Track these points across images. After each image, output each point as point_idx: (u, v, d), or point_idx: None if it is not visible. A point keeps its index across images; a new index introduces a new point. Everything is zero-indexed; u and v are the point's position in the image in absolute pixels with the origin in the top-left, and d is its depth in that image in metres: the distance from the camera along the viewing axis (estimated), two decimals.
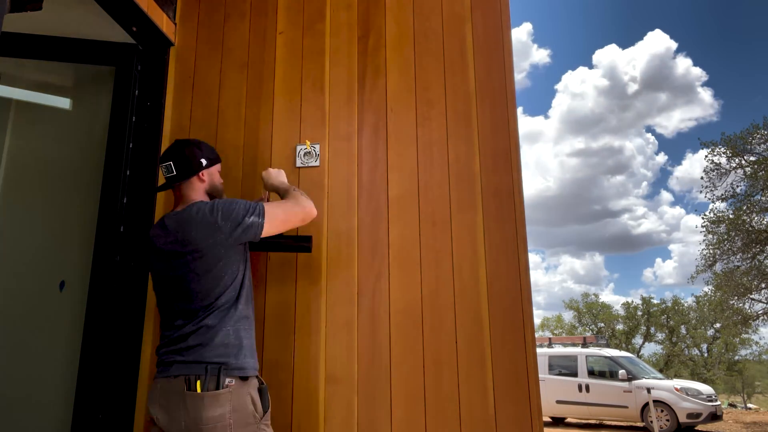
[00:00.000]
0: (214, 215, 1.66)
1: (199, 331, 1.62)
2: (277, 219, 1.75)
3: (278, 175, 2.01)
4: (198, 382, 1.54)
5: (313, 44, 2.41)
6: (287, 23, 2.46)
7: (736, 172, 16.73)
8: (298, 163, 2.25)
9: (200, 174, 1.82)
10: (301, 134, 2.31)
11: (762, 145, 16.35)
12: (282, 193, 1.94)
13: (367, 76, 2.35)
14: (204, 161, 1.83)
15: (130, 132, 2.31)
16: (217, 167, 1.91)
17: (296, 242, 2.08)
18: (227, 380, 1.57)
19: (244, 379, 1.62)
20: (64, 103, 2.59)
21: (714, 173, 17.10)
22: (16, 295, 2.30)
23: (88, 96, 2.55)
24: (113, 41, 2.37)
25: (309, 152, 2.26)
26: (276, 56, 2.42)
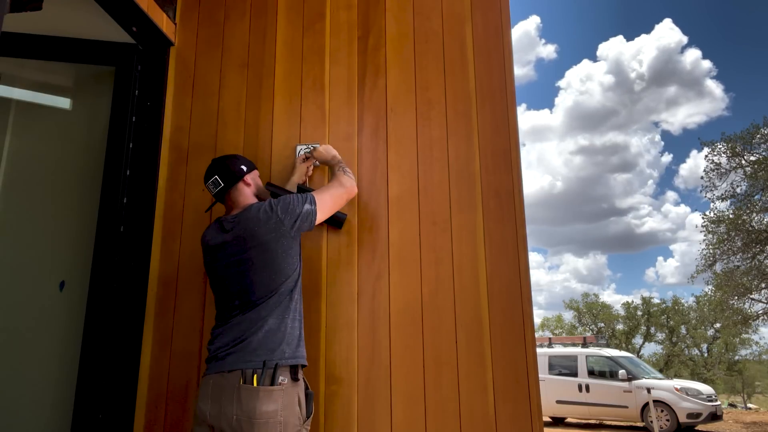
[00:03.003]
0: (275, 210, 1.77)
1: (257, 323, 1.68)
2: (326, 204, 1.90)
3: (327, 151, 2.13)
4: (255, 376, 1.59)
5: (313, 44, 2.41)
6: (287, 23, 2.46)
7: (736, 172, 16.74)
8: (298, 164, 2.25)
9: (245, 179, 1.92)
10: (301, 134, 2.31)
11: (762, 145, 16.35)
12: (332, 168, 2.08)
13: (367, 76, 2.35)
14: (244, 167, 1.93)
15: (130, 132, 2.31)
16: (256, 172, 2.00)
17: (332, 216, 2.11)
18: (281, 378, 1.61)
19: (295, 379, 1.66)
20: (64, 103, 2.59)
21: (714, 173, 17.11)
22: (16, 296, 2.30)
23: (88, 96, 2.54)
24: (113, 41, 2.37)
25: (309, 152, 2.26)
26: (276, 56, 2.42)
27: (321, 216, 1.86)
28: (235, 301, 1.74)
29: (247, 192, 1.91)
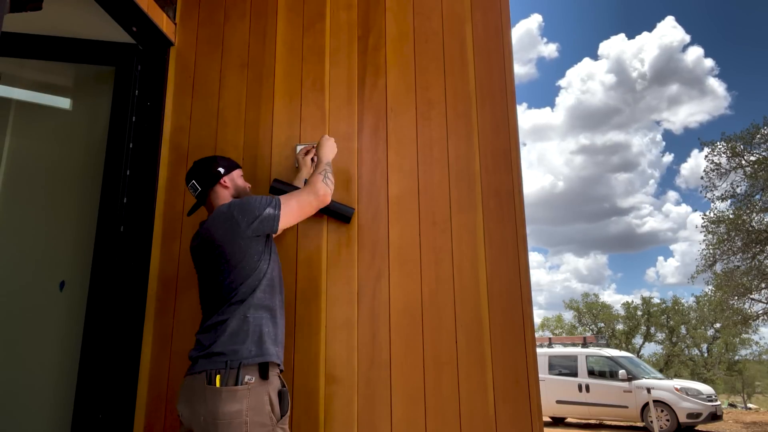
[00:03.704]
0: (231, 210, 1.75)
1: (219, 324, 1.68)
2: (292, 211, 1.84)
3: (327, 148, 2.08)
4: (218, 377, 1.58)
5: (313, 44, 2.41)
6: (287, 23, 2.46)
7: (736, 172, 16.74)
8: (298, 163, 2.25)
9: (222, 181, 1.91)
10: (301, 134, 2.31)
11: (762, 145, 16.35)
12: (316, 167, 2.01)
13: (367, 76, 2.35)
14: (222, 169, 1.92)
15: (130, 132, 2.31)
16: (237, 172, 1.98)
17: (339, 210, 2.13)
18: (247, 377, 1.60)
19: (264, 378, 1.64)
20: (64, 103, 2.59)
21: (714, 173, 17.12)
22: (16, 295, 2.30)
23: (88, 96, 2.55)
24: (113, 41, 2.37)
25: (309, 152, 2.26)
26: (276, 56, 2.42)
27: (285, 222, 1.81)
28: (207, 304, 1.77)
29: (224, 194, 1.90)
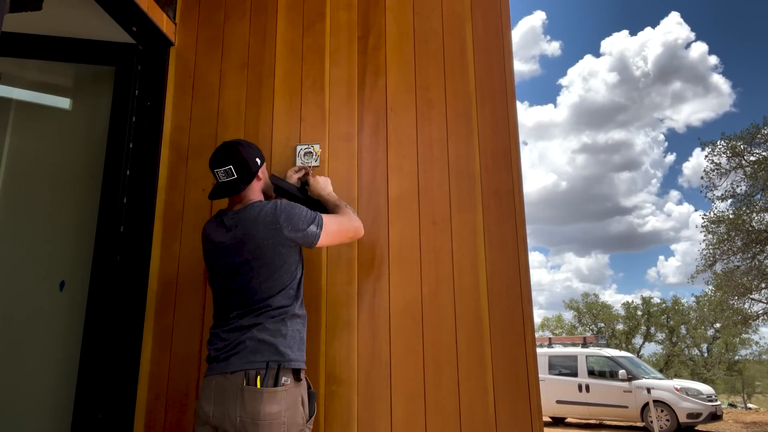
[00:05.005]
0: (277, 216, 1.71)
1: (259, 326, 1.66)
2: (332, 233, 1.82)
3: (326, 186, 2.05)
4: (258, 378, 1.58)
5: (313, 44, 2.41)
6: (287, 23, 2.46)
7: (736, 172, 16.74)
8: (298, 163, 2.25)
9: (258, 174, 1.85)
10: (301, 134, 2.31)
11: (762, 145, 16.36)
12: (329, 206, 1.98)
13: (367, 75, 2.35)
14: (258, 160, 1.85)
15: (130, 132, 2.31)
16: (265, 164, 1.94)
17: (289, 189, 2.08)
18: (284, 379, 1.61)
19: (298, 380, 1.66)
20: (64, 103, 2.59)
21: (714, 173, 17.13)
22: (16, 295, 2.30)
23: (88, 96, 2.55)
24: (113, 41, 2.37)
25: (309, 152, 2.26)
26: (276, 56, 2.42)
27: (322, 242, 1.79)
28: (235, 301, 1.72)
29: (257, 187, 1.84)
